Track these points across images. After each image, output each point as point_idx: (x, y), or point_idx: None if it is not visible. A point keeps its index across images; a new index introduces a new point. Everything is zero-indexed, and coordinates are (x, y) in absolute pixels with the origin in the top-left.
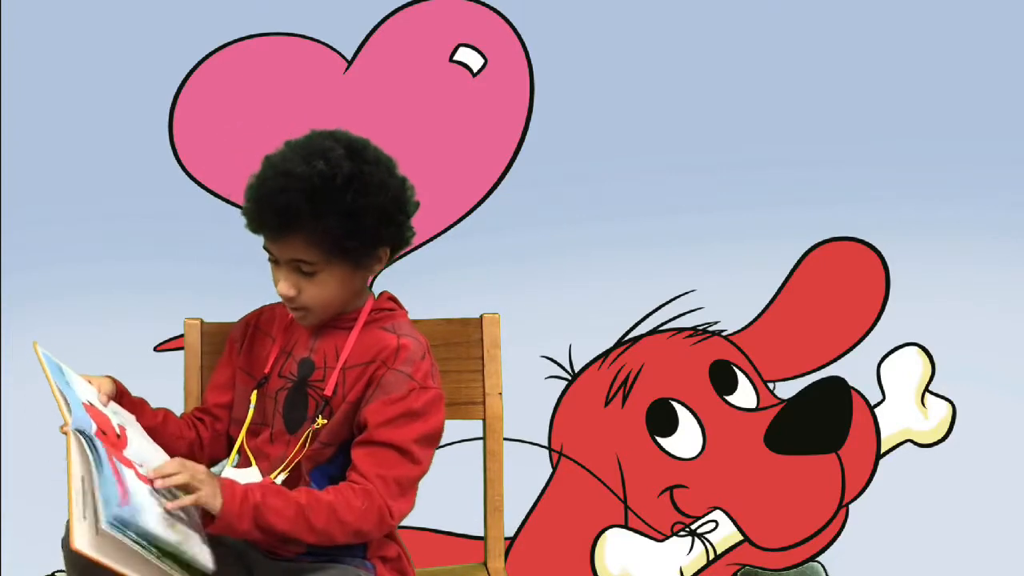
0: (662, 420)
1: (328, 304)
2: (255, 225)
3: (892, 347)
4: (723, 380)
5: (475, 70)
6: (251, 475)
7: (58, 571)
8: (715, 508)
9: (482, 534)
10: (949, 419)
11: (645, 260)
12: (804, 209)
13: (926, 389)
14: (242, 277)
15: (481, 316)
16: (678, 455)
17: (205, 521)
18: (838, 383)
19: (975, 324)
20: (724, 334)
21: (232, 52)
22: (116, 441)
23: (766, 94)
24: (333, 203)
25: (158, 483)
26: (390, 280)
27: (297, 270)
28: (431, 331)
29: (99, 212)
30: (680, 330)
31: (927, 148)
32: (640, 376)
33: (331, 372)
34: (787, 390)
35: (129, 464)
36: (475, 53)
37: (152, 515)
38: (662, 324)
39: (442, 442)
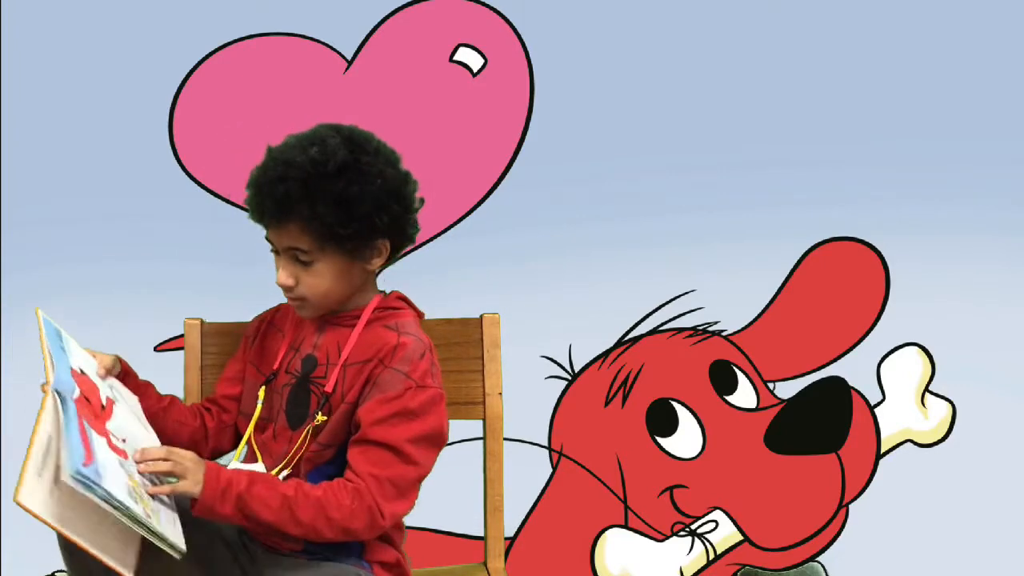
0: (662, 420)
1: (325, 295)
2: (255, 214)
3: (892, 347)
4: (723, 380)
5: (475, 70)
6: (257, 470)
7: (58, 571)
8: (715, 508)
9: (482, 534)
10: (949, 419)
11: (645, 260)
12: (804, 209)
13: (926, 389)
14: (242, 277)
15: (481, 316)
16: (678, 455)
17: (192, 503)
18: (838, 383)
19: (975, 324)
20: (724, 334)
21: (232, 52)
22: (99, 412)
23: (766, 94)
24: (326, 190)
25: (141, 467)
26: (390, 280)
27: (295, 259)
28: (431, 331)
29: (99, 212)
30: (680, 330)
31: (927, 148)
32: (640, 376)
33: (333, 369)
34: (787, 390)
35: (104, 434)
36: (475, 53)
37: (117, 484)
38: (662, 324)
39: None
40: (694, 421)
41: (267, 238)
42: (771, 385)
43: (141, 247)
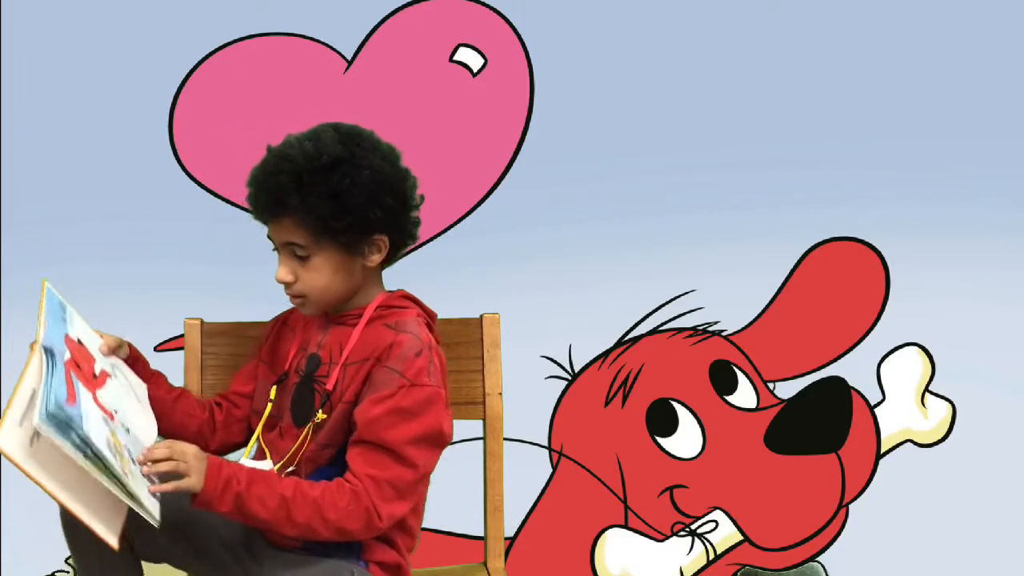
0: (662, 420)
1: (324, 291)
2: (254, 210)
3: (892, 347)
4: (723, 380)
5: (475, 70)
6: (265, 467)
7: (58, 571)
8: (715, 508)
9: (482, 534)
10: (949, 419)
11: (645, 260)
12: (804, 209)
13: (926, 389)
14: (242, 277)
15: (481, 316)
16: (678, 455)
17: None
18: (838, 383)
19: (975, 324)
20: (724, 334)
21: (232, 52)
22: (89, 379)
23: (766, 94)
24: (319, 182)
25: (144, 469)
26: (391, 280)
27: (293, 255)
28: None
29: (99, 212)
30: (680, 330)
31: (927, 148)
32: (640, 376)
33: (334, 368)
34: (787, 390)
35: (91, 390)
36: (475, 53)
37: (99, 434)
38: (662, 324)
39: None
40: (694, 421)
41: (269, 236)
42: (771, 385)
43: (141, 247)
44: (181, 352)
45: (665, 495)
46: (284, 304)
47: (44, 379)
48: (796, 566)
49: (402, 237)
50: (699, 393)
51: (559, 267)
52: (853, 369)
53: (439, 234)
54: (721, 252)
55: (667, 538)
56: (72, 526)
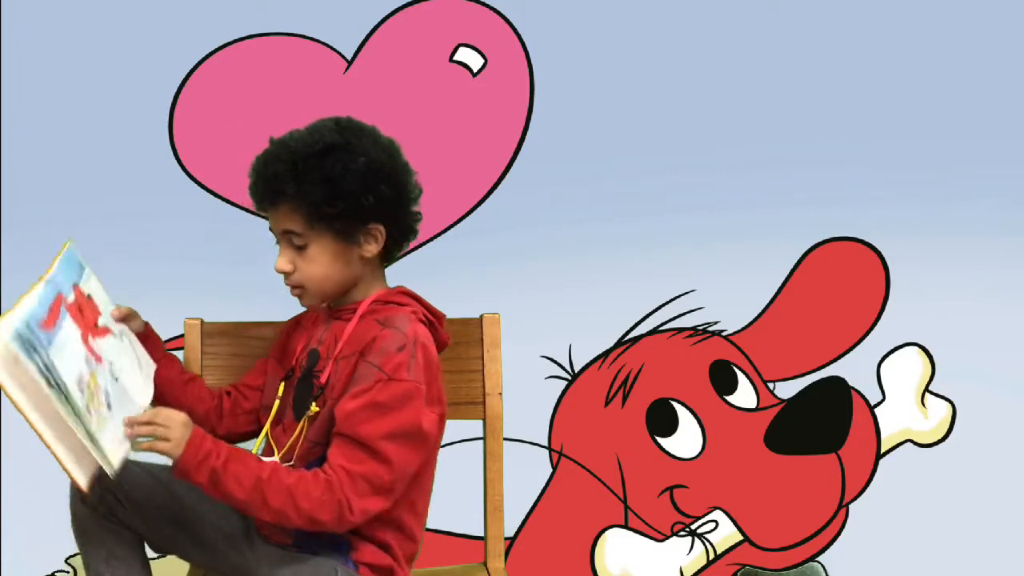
0: (662, 420)
1: (321, 280)
2: (254, 200)
3: (892, 347)
4: (723, 380)
5: (475, 70)
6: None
7: (58, 571)
8: (715, 508)
9: (482, 534)
10: (949, 419)
11: (645, 260)
12: (804, 209)
13: (926, 389)
14: (242, 277)
15: (481, 316)
16: (678, 455)
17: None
18: (838, 383)
19: (975, 324)
20: (724, 334)
21: (232, 52)
22: (89, 326)
23: (766, 94)
24: (313, 168)
25: (127, 430)
26: (391, 280)
27: (291, 244)
28: None
29: (99, 212)
30: (680, 330)
31: (927, 148)
32: (640, 376)
33: (328, 362)
34: (787, 390)
35: (85, 332)
36: (475, 53)
37: (69, 365)
38: (662, 324)
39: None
40: (694, 421)
41: (270, 228)
42: (771, 385)
43: (141, 247)
44: (181, 352)
45: (665, 495)
46: (284, 304)
47: (32, 302)
48: (796, 566)
49: (400, 230)
50: (699, 393)
51: (559, 267)
52: (853, 369)
53: (439, 234)
54: (721, 252)
55: (667, 538)
56: (80, 517)
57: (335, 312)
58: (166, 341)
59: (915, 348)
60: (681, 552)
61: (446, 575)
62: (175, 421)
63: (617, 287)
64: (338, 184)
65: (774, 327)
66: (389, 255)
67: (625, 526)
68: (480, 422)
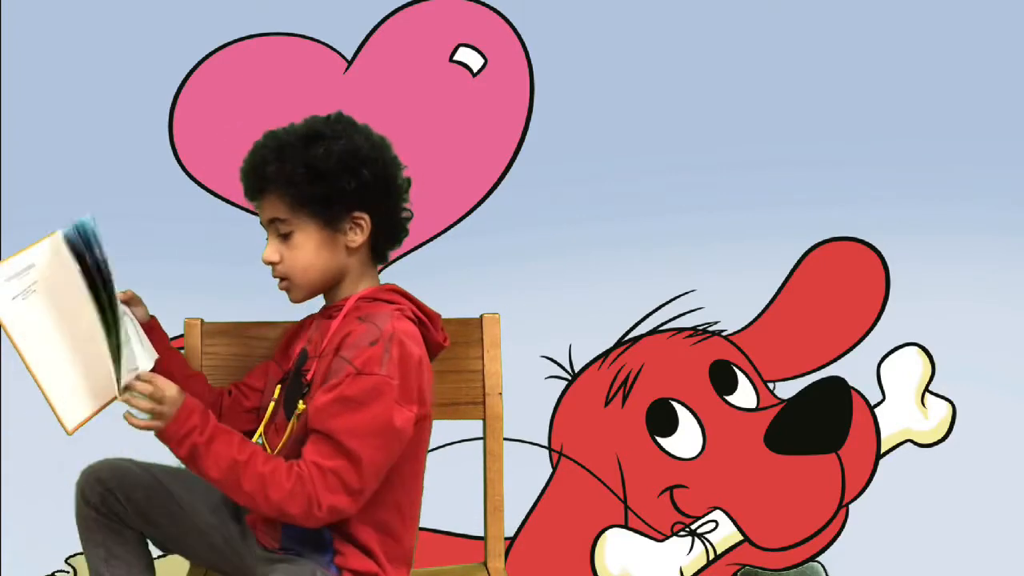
0: (662, 420)
1: (306, 270)
2: (244, 190)
3: (892, 347)
4: (723, 380)
5: (475, 70)
6: None
7: (58, 571)
8: (715, 508)
9: (482, 534)
10: (949, 419)
11: (645, 260)
12: (804, 209)
13: (926, 389)
14: (242, 277)
15: (481, 316)
16: (678, 455)
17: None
18: (838, 383)
19: (975, 324)
20: (724, 334)
21: (232, 52)
22: None
23: (766, 94)
24: (297, 153)
25: (122, 397)
26: (391, 280)
27: (277, 234)
28: None
29: (99, 212)
30: (680, 330)
31: (927, 148)
32: (640, 376)
33: (314, 361)
34: (787, 390)
35: None
36: (475, 53)
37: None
38: (662, 324)
39: (442, 442)
40: (694, 421)
41: (260, 223)
42: (771, 385)
43: (141, 247)
44: (181, 352)
45: (665, 495)
46: (284, 304)
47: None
48: (796, 566)
49: (387, 223)
50: (699, 393)
51: (559, 267)
52: (853, 369)
53: (439, 234)
54: (721, 252)
55: (667, 538)
56: (82, 517)
57: (325, 311)
58: None
59: (915, 348)
60: (681, 552)
61: (446, 575)
62: (167, 395)
63: (617, 287)
64: (318, 165)
65: (774, 327)
66: (379, 252)
67: (625, 526)
68: (480, 422)
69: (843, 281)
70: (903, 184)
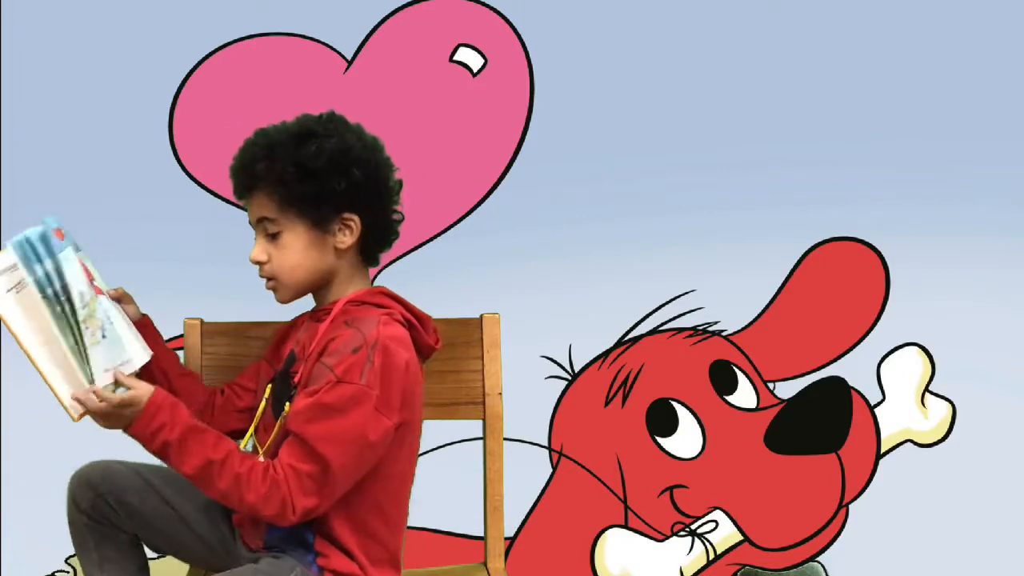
0: (662, 420)
1: (293, 270)
2: (234, 189)
3: (892, 347)
4: (723, 380)
5: (475, 70)
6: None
7: (58, 571)
8: (715, 508)
9: (482, 534)
10: (949, 419)
11: (645, 260)
12: (804, 209)
13: (926, 389)
14: (242, 277)
15: (481, 316)
16: (678, 455)
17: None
18: (838, 383)
19: (975, 324)
20: (724, 334)
21: (232, 52)
22: (89, 277)
23: (766, 94)
24: (287, 152)
25: (109, 378)
26: (391, 280)
27: (265, 233)
28: None
29: (99, 212)
30: (680, 330)
31: (927, 148)
32: (640, 376)
33: (302, 363)
34: (787, 390)
35: (79, 264)
36: (475, 53)
37: (75, 281)
38: (662, 324)
39: (442, 442)
40: (694, 421)
41: (249, 223)
42: (771, 385)
43: (141, 248)
44: (181, 352)
45: (665, 495)
46: (284, 305)
47: (33, 229)
48: (796, 566)
49: (377, 225)
50: (699, 393)
51: (559, 267)
52: (853, 369)
53: (439, 234)
54: (721, 252)
55: (667, 538)
56: (74, 523)
57: (315, 314)
58: (165, 341)
59: (915, 348)
60: (681, 552)
61: (446, 575)
62: (139, 398)
63: (617, 287)
64: (309, 165)
65: (774, 327)
66: (369, 254)
67: (625, 526)
68: (480, 422)
69: (843, 281)
70: (903, 184)
